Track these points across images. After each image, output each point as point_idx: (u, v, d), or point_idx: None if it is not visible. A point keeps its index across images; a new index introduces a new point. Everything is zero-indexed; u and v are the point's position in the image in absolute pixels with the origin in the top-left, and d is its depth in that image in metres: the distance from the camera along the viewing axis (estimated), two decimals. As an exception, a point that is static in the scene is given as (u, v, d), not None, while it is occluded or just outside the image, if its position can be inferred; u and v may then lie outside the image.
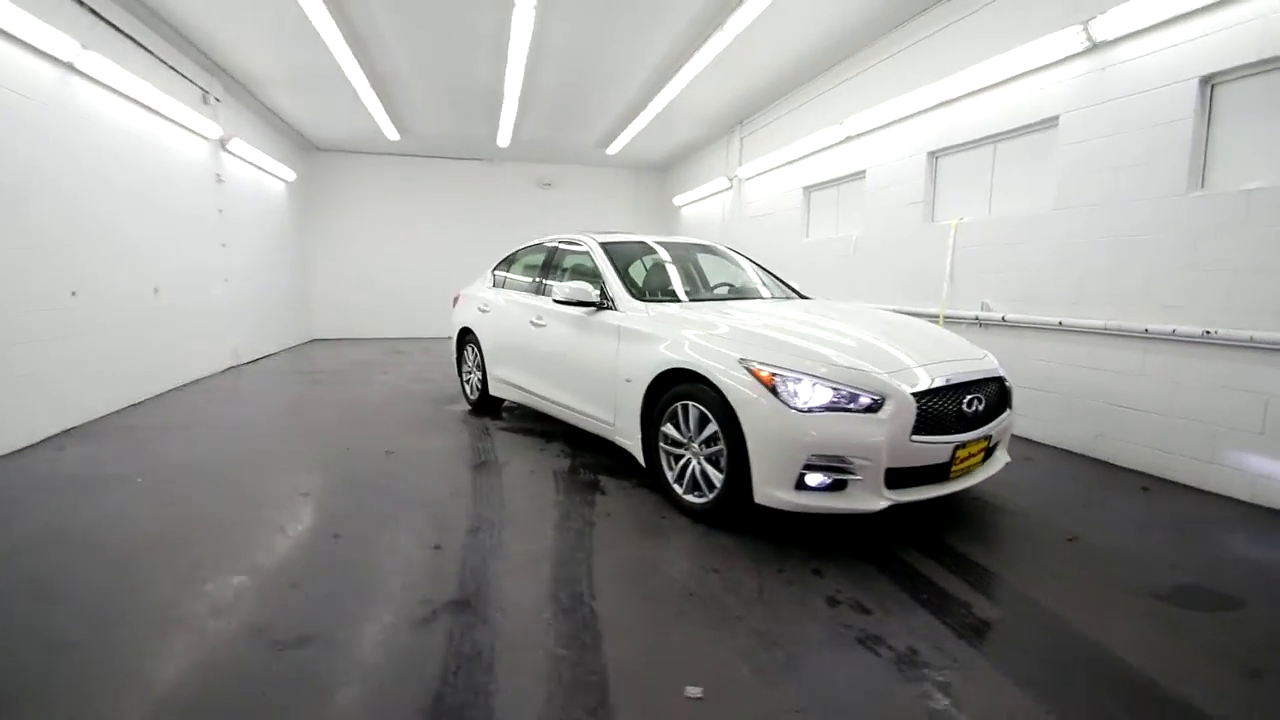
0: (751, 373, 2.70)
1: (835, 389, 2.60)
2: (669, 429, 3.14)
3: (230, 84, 7.35)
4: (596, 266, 4.02)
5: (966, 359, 3.04)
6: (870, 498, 2.59)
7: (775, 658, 1.95)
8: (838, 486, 2.60)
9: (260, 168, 8.61)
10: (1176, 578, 2.53)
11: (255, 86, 7.59)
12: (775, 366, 2.68)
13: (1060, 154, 4.32)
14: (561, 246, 4.70)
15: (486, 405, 5.33)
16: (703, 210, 10.81)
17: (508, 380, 4.82)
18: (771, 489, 2.64)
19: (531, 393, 4.48)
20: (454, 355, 5.84)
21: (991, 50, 4.70)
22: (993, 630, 2.14)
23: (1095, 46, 4.01)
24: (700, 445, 2.96)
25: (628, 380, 3.39)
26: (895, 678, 1.86)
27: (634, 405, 3.34)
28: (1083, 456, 4.14)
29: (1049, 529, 3.01)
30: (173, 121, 6.15)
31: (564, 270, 4.54)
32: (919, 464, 2.67)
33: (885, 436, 2.55)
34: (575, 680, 1.81)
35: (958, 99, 5.15)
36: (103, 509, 3.10)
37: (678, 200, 11.67)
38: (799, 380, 2.62)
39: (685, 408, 3.01)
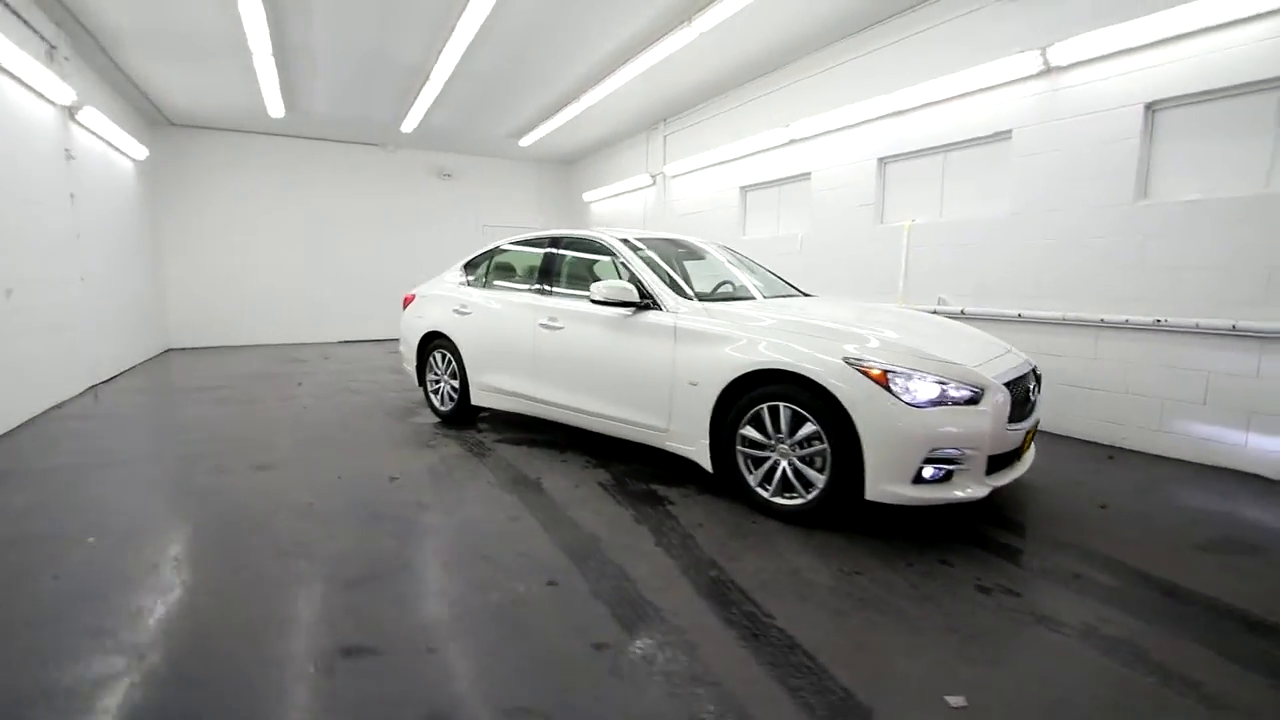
0: (862, 371, 2.72)
1: (942, 384, 2.69)
2: (749, 431, 3.06)
3: (80, 39, 5.95)
4: (627, 265, 3.81)
5: (1012, 350, 3.32)
6: (974, 486, 2.72)
7: (987, 652, 1.98)
8: (946, 478, 2.71)
9: (111, 143, 7.10)
10: (1203, 532, 2.95)
11: (111, 43, 6.22)
12: (885, 364, 2.72)
13: (1015, 164, 4.84)
14: (562, 246, 4.39)
15: (463, 416, 4.85)
16: (618, 207, 10.73)
17: (501, 388, 4.43)
18: (888, 485, 2.68)
19: (541, 401, 4.15)
20: (413, 363, 5.25)
21: (945, 66, 5.15)
22: (1125, 595, 2.34)
23: (1049, 70, 4.54)
24: (793, 446, 2.92)
25: (692, 384, 3.26)
26: (1097, 652, 1.97)
27: (702, 409, 3.22)
28: (1047, 433, 4.70)
29: (1077, 499, 3.37)
30: (17, 80, 4.85)
31: (572, 269, 4.27)
32: (1007, 450, 2.86)
33: (990, 426, 2.70)
34: (833, 708, 1.70)
35: (911, 110, 5.58)
36: (68, 578, 2.37)
37: (588, 196, 11.47)
38: (910, 377, 2.68)
39: (775, 409, 2.96)
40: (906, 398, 2.66)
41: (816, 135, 6.54)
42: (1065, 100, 4.50)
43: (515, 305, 4.38)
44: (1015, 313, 4.82)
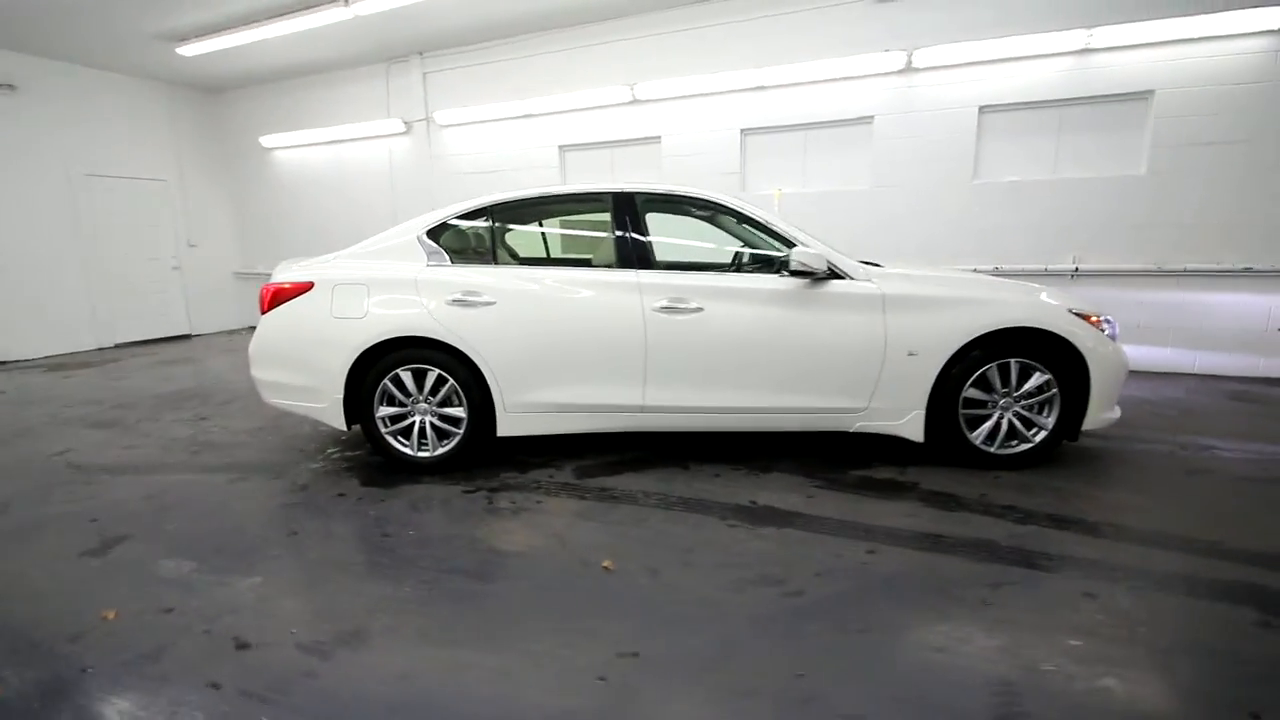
0: (1084, 318, 3.07)
1: (1111, 324, 3.27)
2: (972, 393, 3.10)
3: None
4: (769, 227, 3.21)
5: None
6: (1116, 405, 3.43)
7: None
8: (1108, 400, 3.33)
9: None
10: (1221, 405, 4.32)
11: None
12: (1093, 311, 3.13)
13: (877, 146, 5.82)
14: (649, 206, 3.40)
15: (463, 458, 3.28)
16: (337, 156, 8.29)
17: (573, 404, 3.19)
18: (1103, 413, 3.13)
19: (656, 409, 3.18)
20: (336, 395, 3.21)
21: (810, 51, 5.76)
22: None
23: (909, 70, 5.57)
24: (1017, 398, 3.10)
25: (911, 354, 3.06)
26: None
27: (922, 379, 3.08)
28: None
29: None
30: None
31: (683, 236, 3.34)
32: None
33: (1123, 354, 3.43)
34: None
35: (776, 87, 6.02)
36: None
37: (271, 141, 8.47)
38: (1109, 321, 3.17)
39: (1005, 366, 3.07)
40: (1113, 337, 3.15)
41: (669, 99, 6.41)
42: (919, 96, 5.63)
43: (594, 286, 3.17)
44: (887, 268, 5.90)
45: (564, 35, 6.71)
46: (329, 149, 8.31)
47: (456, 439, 3.26)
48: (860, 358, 3.10)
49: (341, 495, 3.03)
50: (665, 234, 3.50)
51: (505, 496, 2.98)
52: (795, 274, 3.04)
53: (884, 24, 5.59)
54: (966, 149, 5.57)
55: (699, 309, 3.11)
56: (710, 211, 3.43)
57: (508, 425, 3.25)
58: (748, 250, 3.53)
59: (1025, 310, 3.06)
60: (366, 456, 3.58)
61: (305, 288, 3.27)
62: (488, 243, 3.37)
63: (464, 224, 3.39)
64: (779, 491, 2.96)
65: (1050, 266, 5.43)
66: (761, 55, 5.94)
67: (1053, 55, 5.17)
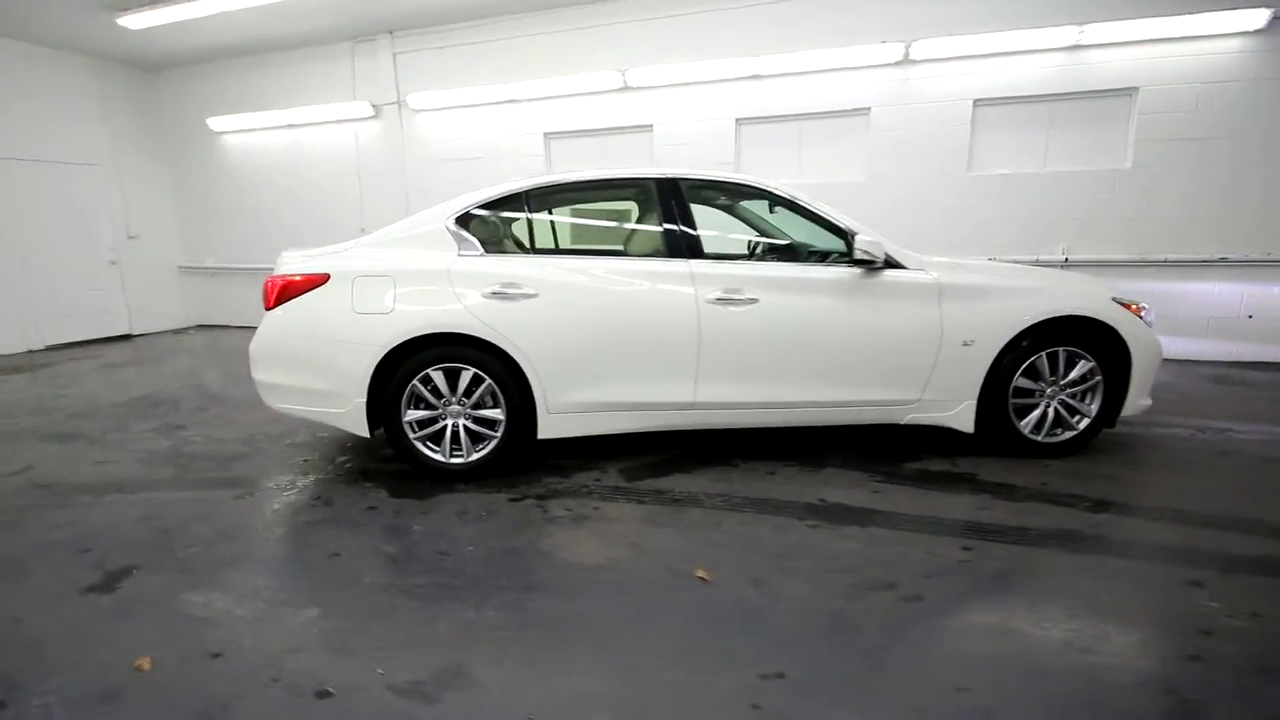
0: (1126, 306, 3.11)
1: (1148, 311, 3.33)
2: (1022, 381, 3.10)
3: None
4: (821, 215, 3.15)
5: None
6: (1146, 390, 3.51)
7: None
8: (1139, 386, 3.40)
9: None
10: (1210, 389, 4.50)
11: None
12: (1133, 299, 3.17)
13: (874, 137, 5.84)
14: (696, 193, 3.27)
15: (496, 464, 3.04)
16: (294, 140, 7.69)
17: (621, 402, 3.00)
18: (1140, 399, 3.20)
19: (705, 406, 3.04)
20: (359, 398, 2.91)
21: (806, 41, 5.70)
22: None
23: (906, 61, 5.59)
24: (1065, 386, 3.12)
25: (966, 344, 3.03)
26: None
27: (976, 368, 3.06)
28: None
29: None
30: None
31: (729, 224, 3.29)
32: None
33: (1152, 340, 3.51)
34: None
35: (772, 76, 5.93)
36: None
37: (220, 123, 7.80)
38: (1146, 309, 3.22)
39: (1054, 354, 3.07)
40: (1150, 324, 3.21)
41: (662, 86, 6.23)
42: (915, 88, 5.67)
43: (645, 276, 2.99)
44: (883, 260, 5.93)
45: (551, 17, 6.40)
46: (286, 133, 7.72)
47: (493, 443, 3.02)
48: (916, 348, 3.04)
49: (373, 509, 2.75)
50: (703, 222, 3.36)
51: (557, 503, 2.77)
52: (856, 263, 2.96)
53: (880, 16, 5.58)
54: (961, 141, 5.64)
55: (754, 300, 2.98)
56: (757, 199, 3.31)
57: (549, 427, 3.03)
58: (795, 240, 3.43)
59: (1077, 299, 3.07)
60: (382, 464, 3.29)
61: (320, 280, 2.95)
62: (524, 230, 3.14)
63: (496, 211, 3.13)
64: (842, 488, 2.87)
65: (1041, 257, 5.57)
66: (757, 44, 5.84)
67: (1045, 50, 5.29)
